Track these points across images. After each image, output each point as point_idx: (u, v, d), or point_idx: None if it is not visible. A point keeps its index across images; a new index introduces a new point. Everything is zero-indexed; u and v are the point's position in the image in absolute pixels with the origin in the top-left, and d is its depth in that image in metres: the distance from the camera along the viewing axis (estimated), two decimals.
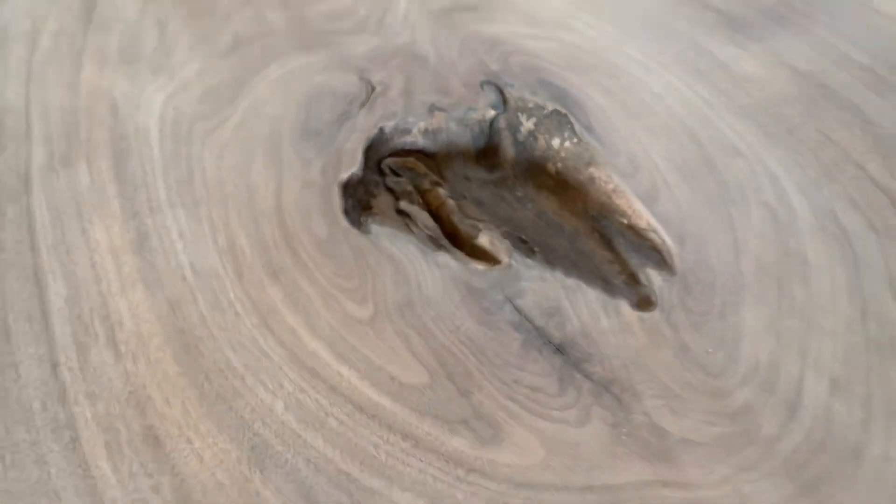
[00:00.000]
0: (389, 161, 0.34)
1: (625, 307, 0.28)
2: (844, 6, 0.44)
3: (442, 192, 0.33)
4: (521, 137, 0.36)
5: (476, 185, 0.34)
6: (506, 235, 0.31)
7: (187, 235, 0.29)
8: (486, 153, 0.36)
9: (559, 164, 0.35)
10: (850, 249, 0.30)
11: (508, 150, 0.36)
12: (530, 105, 0.36)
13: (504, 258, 0.29)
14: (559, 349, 0.26)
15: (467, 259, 0.29)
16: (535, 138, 0.36)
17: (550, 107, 0.36)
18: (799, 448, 0.24)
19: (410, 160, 0.35)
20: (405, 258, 0.29)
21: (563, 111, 0.36)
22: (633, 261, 0.30)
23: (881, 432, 0.24)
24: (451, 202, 0.32)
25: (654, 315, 0.28)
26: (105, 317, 0.27)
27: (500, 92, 0.37)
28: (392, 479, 0.23)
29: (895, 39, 0.41)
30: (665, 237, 0.30)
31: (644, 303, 0.28)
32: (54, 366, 0.25)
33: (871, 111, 0.37)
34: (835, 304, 0.28)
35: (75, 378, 0.25)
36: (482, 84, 0.38)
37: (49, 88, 0.36)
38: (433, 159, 0.35)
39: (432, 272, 0.29)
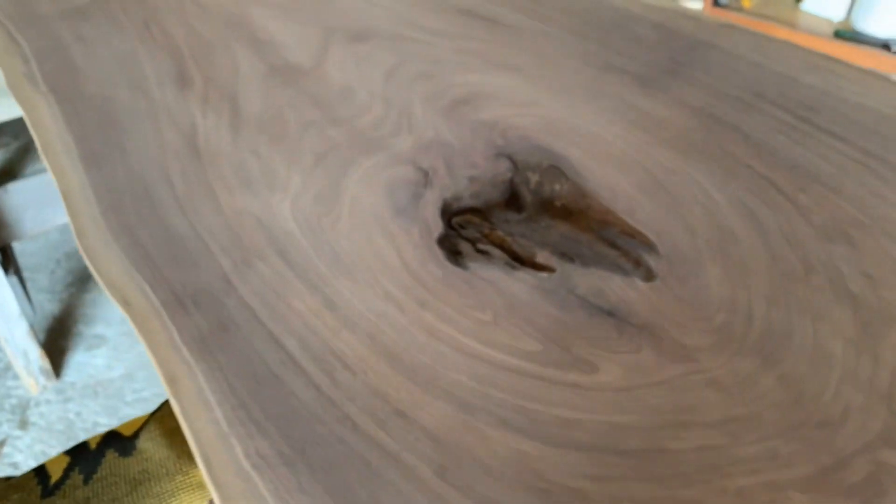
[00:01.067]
0: (456, 220, 0.51)
1: (639, 282, 0.46)
2: (710, 57, 0.64)
3: (499, 233, 0.50)
4: (532, 187, 0.53)
5: (514, 224, 0.52)
6: (551, 252, 0.48)
7: (356, 293, 0.45)
8: (512, 202, 0.53)
9: (563, 200, 0.53)
10: (756, 221, 0.49)
11: (526, 197, 0.53)
12: (532, 164, 0.54)
13: (556, 267, 0.47)
14: (610, 313, 0.44)
15: (534, 272, 0.47)
16: (542, 186, 0.53)
17: (546, 164, 0.54)
18: (759, 338, 0.42)
19: (468, 216, 0.52)
20: (497, 278, 0.46)
21: (557, 166, 0.54)
22: (632, 252, 0.48)
23: (794, 318, 0.43)
24: (508, 239, 0.49)
25: (656, 283, 0.46)
26: (332, 352, 0.42)
27: (511, 160, 0.55)
28: (540, 399, 0.40)
29: (749, 74, 0.62)
30: (648, 235, 0.49)
31: (649, 276, 0.46)
32: (317, 387, 0.41)
33: (746, 128, 0.56)
34: (757, 255, 0.47)
35: (334, 389, 0.40)
36: (496, 156, 0.55)
37: (203, 215, 0.51)
38: (481, 213, 0.52)
39: (517, 284, 0.46)
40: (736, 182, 0.52)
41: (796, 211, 0.50)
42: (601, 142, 0.56)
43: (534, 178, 0.54)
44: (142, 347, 1.21)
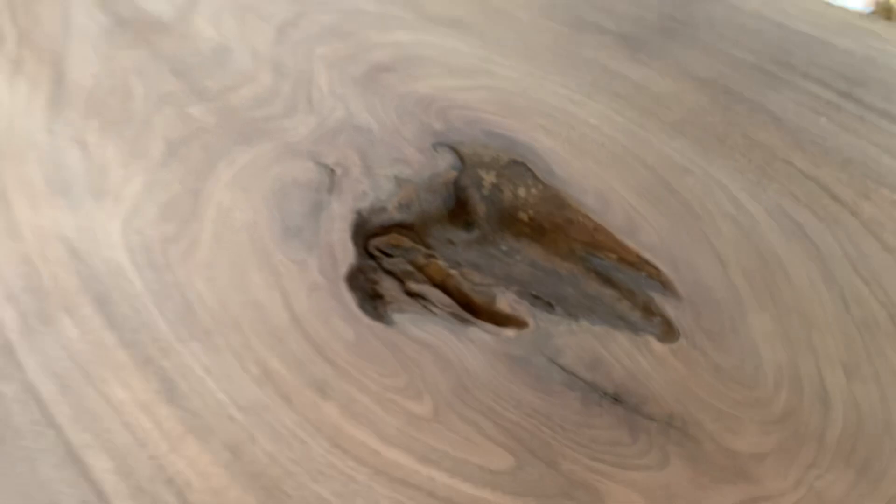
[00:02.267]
0: (375, 242, 0.35)
1: (654, 343, 0.30)
2: (714, 13, 0.49)
3: (441, 263, 0.33)
4: (486, 192, 0.37)
5: (461, 247, 0.35)
6: (519, 295, 0.32)
7: (214, 370, 0.28)
8: (458, 213, 0.37)
9: (531, 212, 0.36)
10: (809, 242, 0.34)
11: (478, 205, 0.37)
12: (486, 159, 0.38)
13: (529, 319, 0.31)
14: (616, 398, 0.28)
15: (496, 328, 0.30)
16: (500, 190, 0.37)
17: (505, 157, 0.38)
18: (843, 435, 0.27)
19: (393, 236, 0.35)
20: (439, 341, 0.30)
21: (520, 160, 0.37)
22: (639, 293, 0.32)
23: None
24: (454, 273, 0.33)
25: (680, 344, 0.30)
26: (168, 481, 0.25)
27: (455, 151, 0.38)
28: None
29: (768, 35, 0.46)
30: (658, 265, 0.33)
31: (667, 334, 0.31)
32: None
33: (774, 108, 0.41)
34: (818, 295, 0.32)
35: None
36: (434, 146, 0.38)
37: None
38: (412, 230, 0.36)
39: (470, 349, 0.30)
40: (773, 184, 0.37)
41: (862, 226, 0.35)
42: (581, 126, 0.40)
43: (488, 178, 0.37)
44: None
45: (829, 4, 0.48)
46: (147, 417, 0.27)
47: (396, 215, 0.36)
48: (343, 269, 0.32)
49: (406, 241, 0.35)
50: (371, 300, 0.32)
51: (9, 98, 0.40)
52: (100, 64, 0.43)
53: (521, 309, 0.31)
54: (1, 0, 0.48)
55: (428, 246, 0.35)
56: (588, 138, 0.39)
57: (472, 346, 0.30)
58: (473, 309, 0.32)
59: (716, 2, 0.50)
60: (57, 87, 0.41)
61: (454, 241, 0.36)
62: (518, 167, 0.37)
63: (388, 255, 0.34)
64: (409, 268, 0.33)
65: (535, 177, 0.37)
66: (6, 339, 0.29)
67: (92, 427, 0.27)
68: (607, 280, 0.33)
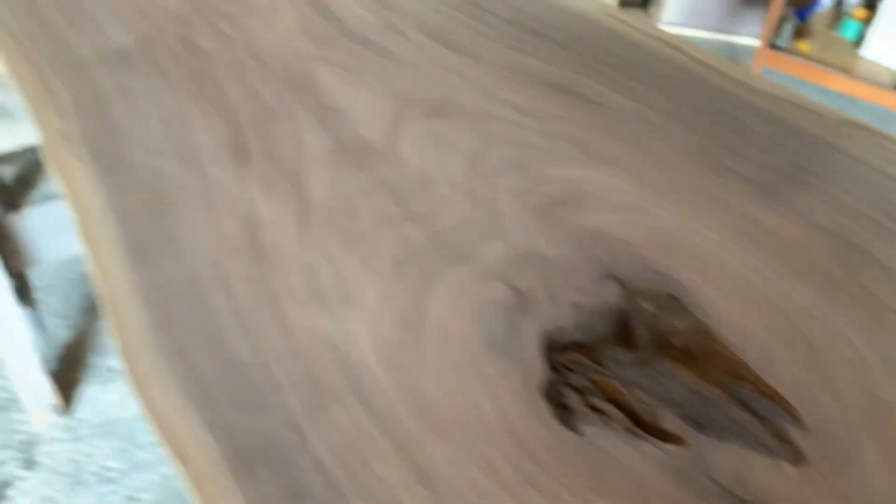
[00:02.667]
0: (560, 359, 0.44)
1: (787, 466, 0.39)
2: (833, 162, 0.57)
3: (614, 384, 0.43)
4: (647, 320, 0.46)
5: (626, 366, 0.45)
6: (678, 415, 0.41)
7: (453, 460, 0.38)
8: (623, 336, 0.46)
9: (683, 340, 0.45)
10: None
11: (640, 331, 0.46)
12: (646, 291, 0.47)
13: (687, 437, 0.40)
14: None
15: (663, 444, 0.40)
16: (658, 319, 0.46)
17: (662, 291, 0.47)
18: None
19: (573, 355, 0.45)
20: (620, 452, 0.39)
21: (674, 296, 0.46)
22: (773, 422, 0.41)
23: None
24: (625, 392, 0.42)
25: (808, 469, 0.38)
26: None
27: (620, 283, 0.47)
28: None
29: (884, 189, 0.54)
30: (789, 399, 0.41)
31: (796, 458, 0.39)
32: None
33: (886, 258, 0.49)
34: None
35: None
36: (602, 277, 0.48)
37: (268, 336, 0.44)
38: (587, 349, 0.45)
39: (643, 461, 0.39)
40: (886, 334, 0.45)
41: None
42: (723, 266, 0.49)
43: (649, 308, 0.46)
44: None
45: None
46: (408, 496, 0.37)
47: (575, 335, 0.45)
48: (537, 382, 0.42)
49: (583, 359, 0.44)
50: (562, 411, 0.41)
51: (268, 212, 0.51)
52: (331, 183, 0.54)
53: (680, 428, 0.40)
54: (244, 119, 0.60)
55: (600, 364, 0.44)
56: (730, 279, 0.48)
57: (644, 457, 0.39)
58: (643, 425, 0.41)
59: (834, 151, 0.58)
60: (301, 203, 0.52)
61: (621, 360, 0.45)
62: (673, 302, 0.46)
63: (570, 371, 0.44)
64: (588, 383, 0.43)
65: (686, 311, 0.46)
66: (295, 420, 0.40)
67: (373, 498, 0.37)
68: (748, 407, 0.42)
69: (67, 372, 1.22)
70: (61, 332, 1.27)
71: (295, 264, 0.48)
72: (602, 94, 0.63)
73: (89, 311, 1.32)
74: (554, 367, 0.44)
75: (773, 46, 1.77)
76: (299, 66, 0.66)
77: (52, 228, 1.13)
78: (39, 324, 1.12)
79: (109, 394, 1.20)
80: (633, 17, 0.72)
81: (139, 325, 0.44)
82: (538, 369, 0.43)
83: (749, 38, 2.13)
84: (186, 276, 0.47)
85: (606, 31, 0.70)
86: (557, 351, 0.45)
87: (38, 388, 1.14)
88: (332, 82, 0.64)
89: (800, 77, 1.76)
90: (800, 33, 1.79)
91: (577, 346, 0.45)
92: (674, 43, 0.69)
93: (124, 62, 0.66)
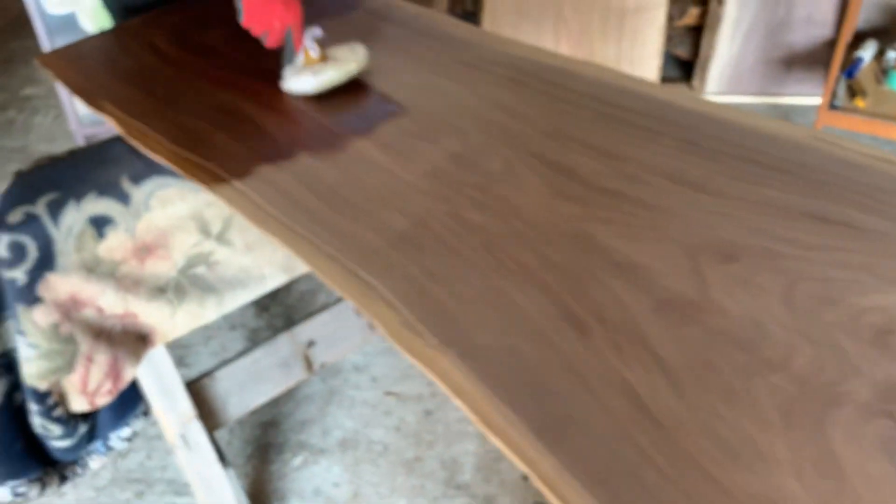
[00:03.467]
0: None
1: None
2: None
3: None
4: None
5: None
6: None
7: None
8: None
9: None
10: None
11: None
12: None
13: None
14: None
15: None
16: None
17: None
18: None
19: None
20: None
21: None
22: None
23: None
24: None
25: None
26: None
27: None
28: None
29: None
30: None
31: None
32: None
33: None
34: None
35: None
36: None
37: (712, 502, 0.48)
38: None
39: None
40: None
41: None
42: None
43: None
44: None
45: None
46: None
47: None
48: None
49: None
50: None
51: (635, 377, 0.57)
52: (676, 341, 0.59)
53: None
54: (555, 287, 0.65)
55: None
56: None
57: None
58: None
59: None
60: (659, 364, 0.58)
61: None
62: None
63: None
64: None
65: None
66: None
67: None
68: None
69: None
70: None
71: (693, 427, 0.53)
72: (855, 218, 0.70)
73: (256, 455, 1.35)
74: None
75: (832, 107, 1.86)
76: (571, 226, 0.72)
77: (240, 385, 1.17)
78: (238, 483, 1.16)
79: None
80: (839, 137, 0.79)
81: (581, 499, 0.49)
82: None
83: (793, 98, 2.24)
84: (605, 453, 0.52)
85: (824, 155, 0.77)
86: None
87: None
88: (612, 239, 0.70)
89: (860, 132, 1.85)
90: (852, 91, 1.89)
91: None
92: (887, 157, 0.76)
93: (412, 244, 0.72)
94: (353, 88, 0.99)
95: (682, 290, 0.64)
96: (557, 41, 2.29)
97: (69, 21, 1.98)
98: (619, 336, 0.61)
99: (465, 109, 0.93)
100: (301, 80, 0.97)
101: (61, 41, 1.98)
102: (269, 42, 0.99)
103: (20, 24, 3.09)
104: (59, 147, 2.37)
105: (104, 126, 2.10)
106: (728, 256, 0.67)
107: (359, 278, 0.69)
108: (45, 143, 2.41)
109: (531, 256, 0.69)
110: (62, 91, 2.02)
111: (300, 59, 0.98)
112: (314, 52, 0.97)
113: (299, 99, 0.98)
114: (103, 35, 1.25)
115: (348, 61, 0.98)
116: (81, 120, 2.07)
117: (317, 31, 0.97)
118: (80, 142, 2.15)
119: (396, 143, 0.87)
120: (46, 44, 1.97)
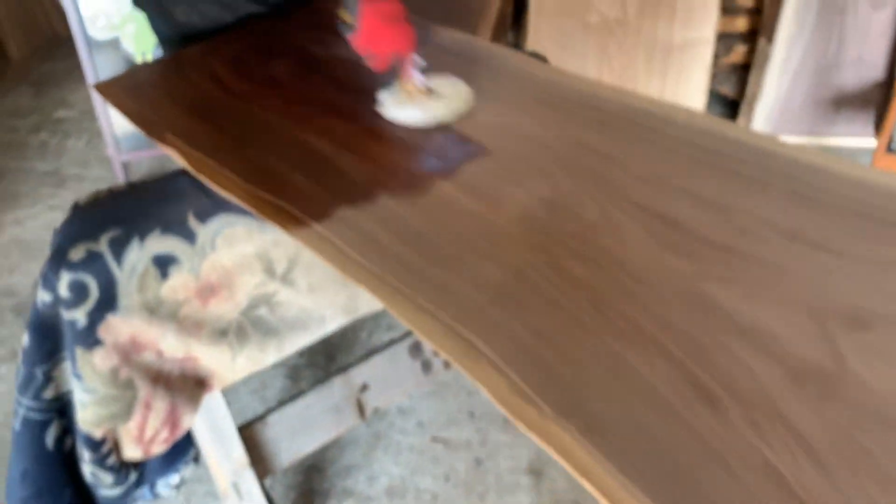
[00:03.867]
0: None
1: None
2: None
3: None
4: None
5: None
6: None
7: None
8: None
9: None
10: None
11: None
12: None
13: None
14: None
15: None
16: None
17: None
18: None
19: None
20: None
21: None
22: None
23: None
24: None
25: None
26: None
27: None
28: None
29: None
30: None
31: None
32: None
33: None
34: None
35: None
36: None
37: None
38: None
39: None
40: None
41: None
42: None
43: None
44: None
45: None
46: None
47: None
48: None
49: None
50: None
51: (776, 457, 0.51)
52: (816, 417, 0.54)
53: None
54: (676, 352, 0.60)
55: None
56: None
57: None
58: None
59: None
60: (801, 444, 0.52)
61: None
62: None
63: None
64: None
65: None
66: None
67: None
68: None
69: None
70: None
71: None
72: None
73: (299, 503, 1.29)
74: None
75: (889, 150, 1.82)
76: (684, 283, 0.67)
77: (290, 431, 1.12)
78: None
79: None
80: None
81: None
82: None
83: (842, 139, 2.19)
84: None
85: None
86: None
87: None
88: (732, 300, 0.65)
89: None
90: None
91: None
92: None
93: (511, 298, 0.67)
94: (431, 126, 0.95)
95: (816, 360, 0.59)
96: (600, 76, 2.25)
97: (112, 44, 1.96)
98: (755, 412, 0.55)
99: (550, 151, 0.88)
100: (407, 111, 0.93)
101: (103, 64, 1.95)
102: (376, 66, 0.94)
103: (53, 46, 3.09)
104: (93, 172, 2.35)
105: (143, 152, 2.07)
106: (861, 323, 0.62)
107: (460, 337, 0.64)
108: (78, 167, 2.39)
109: (645, 317, 0.64)
110: (101, 116, 2.00)
111: (400, 86, 0.94)
112: (420, 82, 0.93)
113: (374, 137, 0.94)
114: (160, 63, 1.22)
115: (455, 99, 0.94)
116: (120, 146, 2.04)
117: (421, 62, 0.93)
118: (117, 168, 2.11)
119: (481, 186, 0.83)
120: (89, 67, 1.95)
